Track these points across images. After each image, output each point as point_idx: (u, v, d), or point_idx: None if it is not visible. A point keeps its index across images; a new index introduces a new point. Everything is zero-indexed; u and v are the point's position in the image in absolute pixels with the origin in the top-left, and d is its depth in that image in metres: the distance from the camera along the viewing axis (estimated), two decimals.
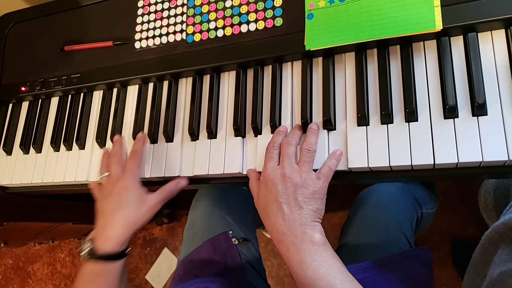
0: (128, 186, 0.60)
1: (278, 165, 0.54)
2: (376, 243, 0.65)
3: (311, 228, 0.49)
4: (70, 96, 0.77)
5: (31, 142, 0.78)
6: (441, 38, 0.53)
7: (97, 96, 0.75)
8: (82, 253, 0.58)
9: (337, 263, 0.48)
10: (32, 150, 0.77)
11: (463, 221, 1.14)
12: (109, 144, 0.71)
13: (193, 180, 0.64)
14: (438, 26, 0.52)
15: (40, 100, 0.80)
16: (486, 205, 0.69)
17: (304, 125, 0.57)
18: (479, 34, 0.52)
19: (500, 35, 0.51)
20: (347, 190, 1.26)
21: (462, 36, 0.53)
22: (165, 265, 1.44)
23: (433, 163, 0.50)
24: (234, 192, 0.86)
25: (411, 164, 0.51)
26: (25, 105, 0.81)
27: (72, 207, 1.06)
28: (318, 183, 0.52)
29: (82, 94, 0.76)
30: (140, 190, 0.61)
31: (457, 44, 0.53)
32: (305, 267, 0.47)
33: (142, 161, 0.65)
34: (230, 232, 0.76)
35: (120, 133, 0.70)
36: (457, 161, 0.49)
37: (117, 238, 0.57)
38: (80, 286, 0.57)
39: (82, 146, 0.73)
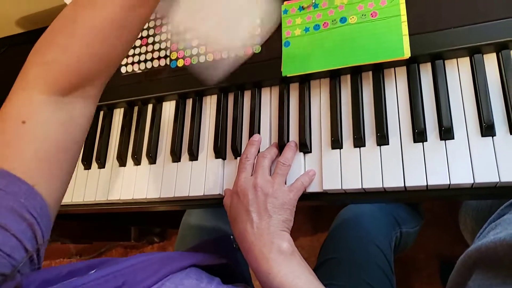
0: None
1: (251, 175, 0.55)
2: (355, 261, 0.66)
3: (279, 237, 0.50)
4: None
5: None
6: (411, 65, 0.56)
7: None
8: None
9: (305, 273, 0.48)
10: None
11: (451, 239, 1.14)
12: (94, 165, 0.72)
13: (174, 201, 0.66)
14: (407, 53, 0.54)
15: None
16: (466, 226, 0.70)
17: (281, 148, 0.59)
18: (445, 61, 0.55)
19: (465, 62, 0.54)
20: (336, 209, 1.27)
21: (430, 63, 0.56)
22: None
23: (403, 185, 0.52)
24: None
25: (383, 187, 0.53)
26: None
27: (61, 226, 1.07)
28: (289, 195, 0.53)
29: None
30: None
31: (425, 71, 0.56)
32: (272, 277, 0.47)
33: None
34: (232, 237, 0.76)
35: (105, 155, 0.72)
36: (426, 184, 0.51)
37: None
38: None
39: None
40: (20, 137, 0.40)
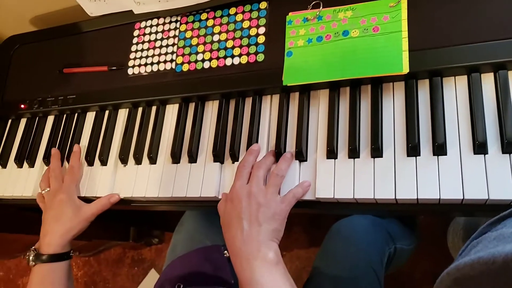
0: (63, 200, 0.69)
1: (247, 184, 0.57)
2: (345, 276, 0.66)
3: (266, 246, 0.51)
4: (65, 115, 0.81)
5: (26, 156, 0.81)
6: (409, 80, 0.57)
7: (90, 117, 0.79)
8: (30, 258, 0.67)
9: (286, 285, 0.49)
10: (25, 164, 0.81)
11: (446, 258, 1.14)
12: (97, 163, 0.74)
13: (172, 201, 0.67)
14: (405, 69, 0.55)
15: (37, 118, 0.84)
16: (454, 245, 0.70)
17: (278, 155, 0.60)
18: (443, 78, 0.56)
19: (463, 80, 0.55)
20: (333, 220, 1.28)
21: (428, 79, 0.57)
22: (151, 286, 1.44)
23: (394, 198, 0.52)
24: (218, 216, 0.87)
25: (374, 198, 0.53)
26: (23, 122, 0.86)
27: None
28: (280, 206, 0.54)
29: (76, 114, 0.80)
30: (75, 204, 0.70)
31: (423, 87, 0.57)
32: (253, 284, 0.49)
33: (79, 175, 0.73)
34: (222, 246, 0.77)
35: (108, 154, 0.74)
36: (416, 197, 0.51)
37: (56, 244, 0.68)
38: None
39: None
40: None
